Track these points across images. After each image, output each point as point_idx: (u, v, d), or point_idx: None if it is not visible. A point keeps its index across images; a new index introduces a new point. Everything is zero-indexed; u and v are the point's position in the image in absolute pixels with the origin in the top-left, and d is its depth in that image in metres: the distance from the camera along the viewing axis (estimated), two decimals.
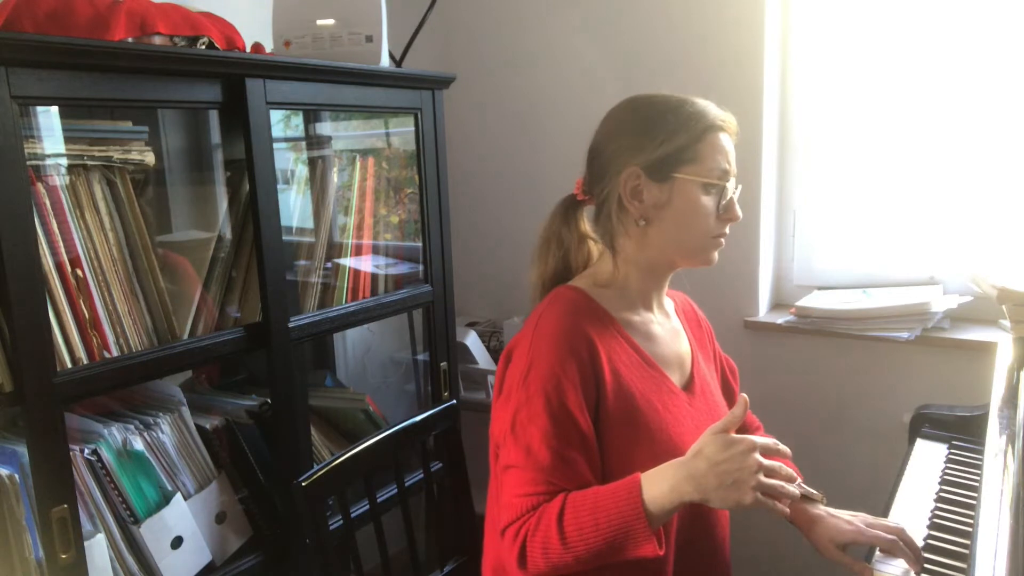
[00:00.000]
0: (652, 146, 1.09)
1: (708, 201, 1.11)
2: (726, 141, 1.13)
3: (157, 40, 1.36)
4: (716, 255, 1.15)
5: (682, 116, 1.10)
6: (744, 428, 1.36)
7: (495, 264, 2.47)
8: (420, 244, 1.84)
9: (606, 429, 1.06)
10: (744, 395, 0.99)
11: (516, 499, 1.02)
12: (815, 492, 1.19)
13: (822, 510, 1.16)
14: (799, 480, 1.21)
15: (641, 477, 0.98)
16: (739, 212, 1.15)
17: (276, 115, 1.64)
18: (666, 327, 1.21)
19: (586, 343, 1.06)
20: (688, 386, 1.19)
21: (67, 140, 1.23)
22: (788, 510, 0.95)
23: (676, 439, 1.09)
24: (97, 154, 1.24)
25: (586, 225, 1.21)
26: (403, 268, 1.88)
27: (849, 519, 1.13)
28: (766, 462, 0.93)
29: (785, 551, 2.14)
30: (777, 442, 0.97)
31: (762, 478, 0.92)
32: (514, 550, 1.01)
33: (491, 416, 1.13)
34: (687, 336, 1.25)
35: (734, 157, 1.14)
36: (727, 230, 1.15)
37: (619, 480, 0.99)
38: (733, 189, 1.14)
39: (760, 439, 0.95)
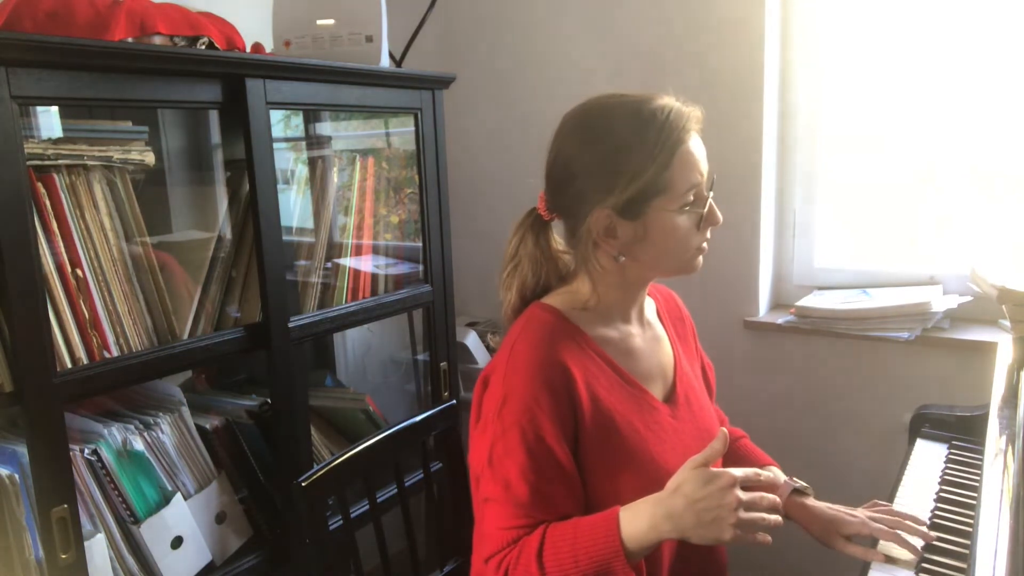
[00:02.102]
0: (620, 187, 1.03)
1: (686, 220, 1.06)
2: (695, 146, 1.06)
3: (157, 40, 1.36)
4: (701, 260, 1.11)
5: (647, 140, 1.02)
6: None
7: (495, 264, 2.45)
8: (420, 244, 1.84)
9: (587, 456, 1.04)
10: (724, 429, 0.96)
11: (497, 532, 1.01)
12: (805, 485, 1.20)
13: (819, 504, 1.18)
14: (787, 478, 1.22)
15: (620, 512, 0.96)
16: (719, 217, 1.09)
17: (276, 115, 1.64)
18: (646, 338, 1.18)
19: (561, 372, 1.03)
20: (670, 397, 1.17)
21: (67, 140, 1.23)
22: (770, 539, 0.92)
23: (659, 458, 1.08)
24: (97, 154, 1.24)
25: (558, 241, 1.16)
26: (403, 268, 1.88)
27: (852, 512, 1.15)
28: (745, 496, 0.90)
29: (782, 548, 2.13)
30: (758, 471, 0.94)
31: (741, 514, 0.89)
32: None
33: (470, 443, 1.11)
34: (669, 339, 1.22)
35: (705, 156, 1.07)
36: (709, 235, 1.10)
37: (600, 512, 0.98)
38: (709, 195, 1.08)
39: (740, 472, 0.91)
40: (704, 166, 1.07)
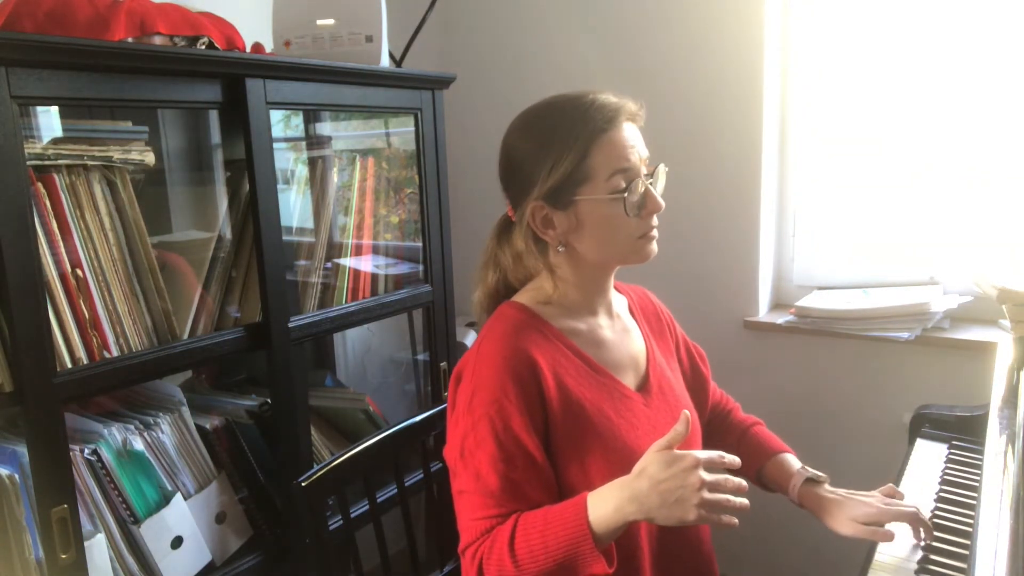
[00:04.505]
0: (543, 177, 1.06)
1: (618, 210, 1.07)
2: (622, 135, 1.07)
3: (157, 40, 1.36)
4: (654, 247, 1.12)
5: (563, 132, 1.05)
6: (736, 425, 1.36)
7: None
8: (420, 244, 1.84)
9: (559, 444, 1.06)
10: (686, 411, 0.96)
11: (471, 523, 1.03)
12: (820, 474, 1.20)
13: (832, 492, 1.18)
14: (801, 466, 1.22)
15: (588, 497, 0.98)
16: (660, 203, 1.09)
17: (276, 115, 1.64)
18: (616, 329, 1.20)
19: (527, 364, 1.05)
20: (643, 387, 1.18)
21: (67, 140, 1.23)
22: (736, 522, 0.93)
23: (632, 444, 1.09)
24: (97, 154, 1.24)
25: (521, 243, 1.18)
26: (403, 268, 1.88)
27: (867, 500, 1.15)
28: (709, 476, 0.91)
29: (782, 548, 2.14)
30: (722, 454, 0.95)
31: (705, 494, 0.90)
32: (472, 571, 1.02)
33: (447, 437, 1.13)
34: (642, 333, 1.24)
35: (638, 142, 1.09)
36: (655, 221, 1.11)
37: (569, 499, 1.00)
38: (643, 184, 1.08)
39: (703, 453, 0.93)
40: (635, 154, 1.08)
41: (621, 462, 1.04)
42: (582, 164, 1.06)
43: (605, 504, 0.95)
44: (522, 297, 1.17)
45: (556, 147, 1.06)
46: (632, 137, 1.08)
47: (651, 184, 1.10)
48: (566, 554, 0.96)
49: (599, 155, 1.06)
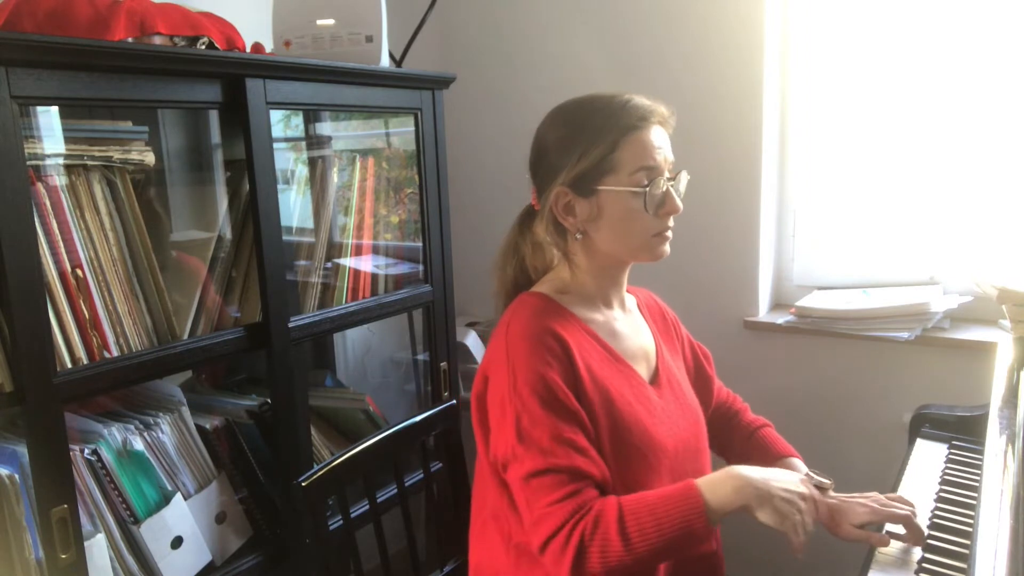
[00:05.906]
0: (571, 163, 1.10)
1: (638, 204, 1.11)
2: (651, 136, 1.11)
3: (157, 40, 1.36)
4: (667, 248, 1.16)
5: (596, 125, 1.10)
6: (744, 427, 1.36)
7: None
8: (420, 244, 1.84)
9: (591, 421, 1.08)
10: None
11: (550, 508, 1.00)
12: (825, 480, 1.20)
13: (832, 497, 1.18)
14: (808, 471, 1.22)
15: (697, 481, 1.02)
16: (678, 205, 1.14)
17: (276, 115, 1.64)
18: (628, 323, 1.23)
19: (557, 340, 1.08)
20: (654, 379, 1.21)
21: (67, 140, 1.23)
22: (799, 551, 1.00)
23: (651, 429, 1.12)
24: (97, 154, 1.24)
25: (542, 230, 1.20)
26: (403, 268, 1.88)
27: (862, 501, 1.16)
28: (812, 512, 1.02)
29: (776, 543, 2.13)
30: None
31: (806, 518, 1.00)
32: (566, 559, 0.98)
33: (476, 438, 1.13)
34: (651, 330, 1.27)
35: (665, 145, 1.13)
36: (671, 223, 1.15)
37: (671, 485, 1.04)
38: (665, 184, 1.12)
39: (819, 496, 1.05)
40: (661, 155, 1.12)
41: (641, 447, 1.08)
42: (609, 156, 1.09)
43: (722, 486, 1.00)
44: (540, 287, 1.20)
45: (587, 137, 1.10)
46: (660, 139, 1.12)
47: (672, 186, 1.13)
48: (680, 532, 0.98)
49: (627, 150, 1.09)
